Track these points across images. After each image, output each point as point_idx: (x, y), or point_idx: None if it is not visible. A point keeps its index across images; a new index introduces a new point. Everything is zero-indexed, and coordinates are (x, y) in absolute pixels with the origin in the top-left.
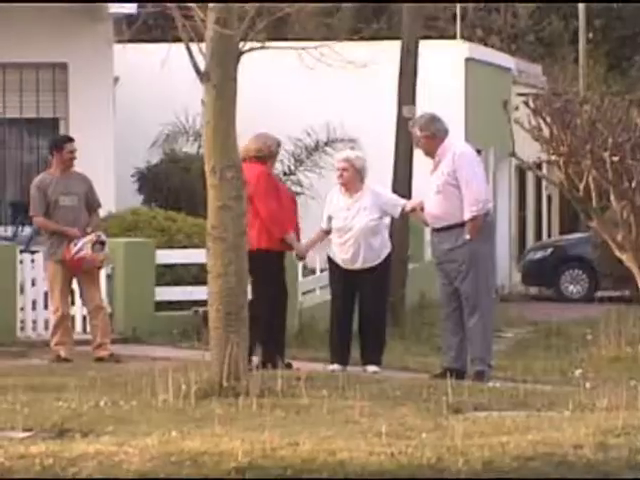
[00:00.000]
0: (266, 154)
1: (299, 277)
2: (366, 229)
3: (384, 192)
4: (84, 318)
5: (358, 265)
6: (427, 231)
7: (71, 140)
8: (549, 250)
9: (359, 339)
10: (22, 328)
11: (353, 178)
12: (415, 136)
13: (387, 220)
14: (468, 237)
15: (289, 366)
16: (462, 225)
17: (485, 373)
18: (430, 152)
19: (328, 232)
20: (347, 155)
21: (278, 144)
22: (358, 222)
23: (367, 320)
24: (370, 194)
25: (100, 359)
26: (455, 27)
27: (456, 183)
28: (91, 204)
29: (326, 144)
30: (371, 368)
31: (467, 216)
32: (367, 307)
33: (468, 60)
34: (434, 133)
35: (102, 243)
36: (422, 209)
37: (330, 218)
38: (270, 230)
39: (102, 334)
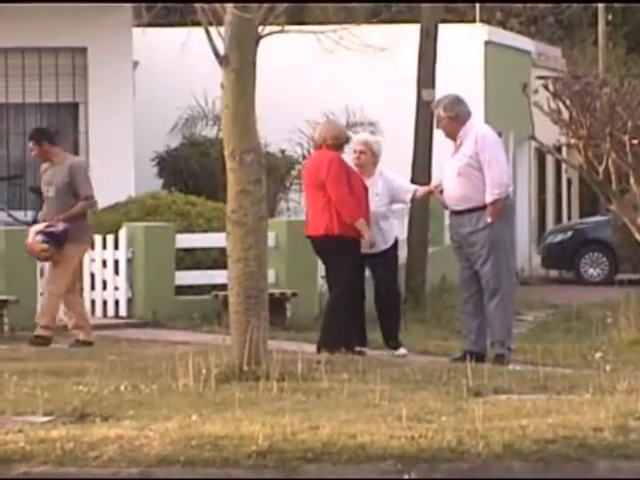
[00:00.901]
0: (342, 142)
1: (318, 261)
2: (378, 214)
3: (395, 178)
4: (104, 303)
5: (367, 249)
6: (447, 214)
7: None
8: (569, 233)
9: (379, 323)
10: None
11: (369, 162)
12: (438, 117)
13: (399, 206)
14: (489, 220)
15: (361, 353)
16: (483, 208)
17: (505, 356)
18: (452, 134)
19: None
20: (366, 138)
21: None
22: (371, 206)
23: (384, 303)
24: (382, 180)
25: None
26: (474, 10)
27: (478, 166)
28: (75, 194)
29: (346, 127)
30: (401, 351)
31: (489, 199)
32: (381, 291)
33: (487, 43)
34: (457, 114)
35: (48, 234)
36: (441, 192)
37: None
38: (341, 215)
39: (40, 314)
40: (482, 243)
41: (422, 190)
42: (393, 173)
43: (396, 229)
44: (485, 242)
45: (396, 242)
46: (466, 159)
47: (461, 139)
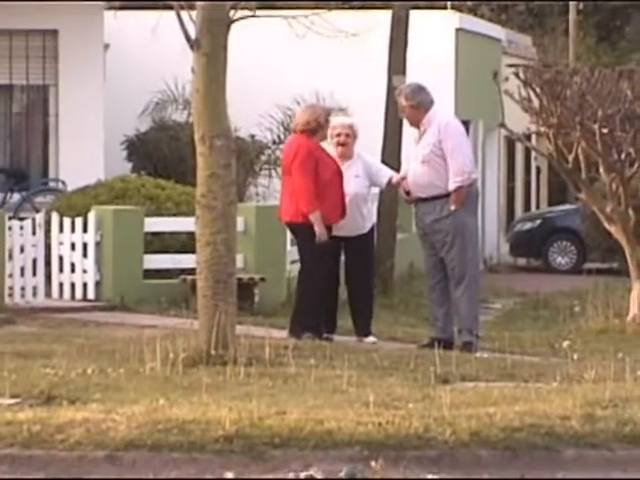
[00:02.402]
0: (313, 127)
1: (287, 246)
2: (359, 196)
3: (373, 161)
4: (72, 285)
5: (347, 232)
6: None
7: None
8: (537, 221)
9: (350, 311)
10: (10, 295)
11: (351, 144)
12: (400, 105)
13: (375, 190)
14: (453, 208)
15: (328, 340)
16: (447, 196)
17: (473, 344)
18: (415, 122)
19: None
20: (350, 121)
21: (328, 114)
22: (352, 189)
23: (357, 290)
24: (361, 162)
25: None
26: None
27: (441, 154)
28: None
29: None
30: (370, 339)
31: (452, 187)
32: (357, 276)
33: (458, 30)
34: (419, 103)
35: None
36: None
37: None
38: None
39: None
40: (446, 230)
41: (398, 177)
42: (370, 156)
43: (375, 214)
44: (449, 229)
45: (373, 228)
46: (430, 147)
47: (424, 127)
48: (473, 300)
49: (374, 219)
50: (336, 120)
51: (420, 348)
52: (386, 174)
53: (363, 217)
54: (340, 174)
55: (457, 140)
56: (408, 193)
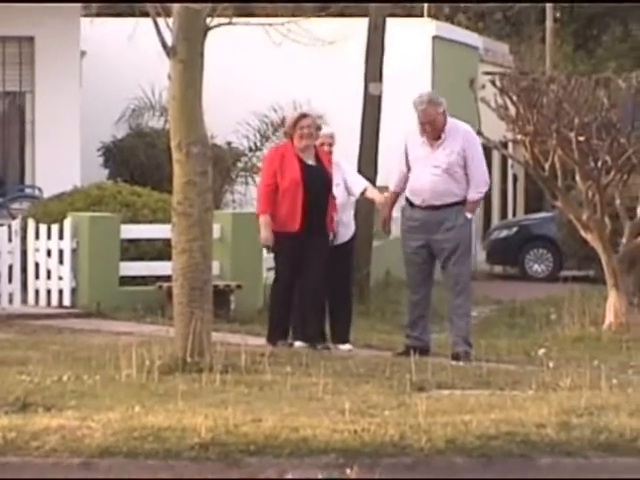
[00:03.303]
0: (286, 131)
1: (263, 253)
2: (340, 204)
3: (350, 170)
4: (48, 292)
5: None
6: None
7: None
8: (514, 229)
9: (328, 317)
10: None
11: (332, 153)
12: (429, 115)
13: (353, 198)
14: (470, 216)
15: (326, 348)
16: (460, 204)
17: (471, 353)
18: (440, 130)
19: None
20: (332, 131)
21: (299, 117)
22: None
23: (336, 298)
24: (340, 170)
25: None
26: (422, 5)
27: (463, 162)
28: None
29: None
30: (345, 347)
31: (476, 196)
32: (337, 284)
33: (435, 38)
34: (444, 110)
35: None
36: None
37: None
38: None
39: None
40: (458, 239)
41: (371, 194)
42: (348, 164)
43: (354, 222)
44: (461, 238)
45: (354, 236)
46: (454, 155)
47: (446, 135)
48: (470, 310)
49: (354, 227)
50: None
51: (396, 356)
52: (360, 185)
53: (344, 225)
54: (301, 185)
55: (479, 149)
56: (387, 219)
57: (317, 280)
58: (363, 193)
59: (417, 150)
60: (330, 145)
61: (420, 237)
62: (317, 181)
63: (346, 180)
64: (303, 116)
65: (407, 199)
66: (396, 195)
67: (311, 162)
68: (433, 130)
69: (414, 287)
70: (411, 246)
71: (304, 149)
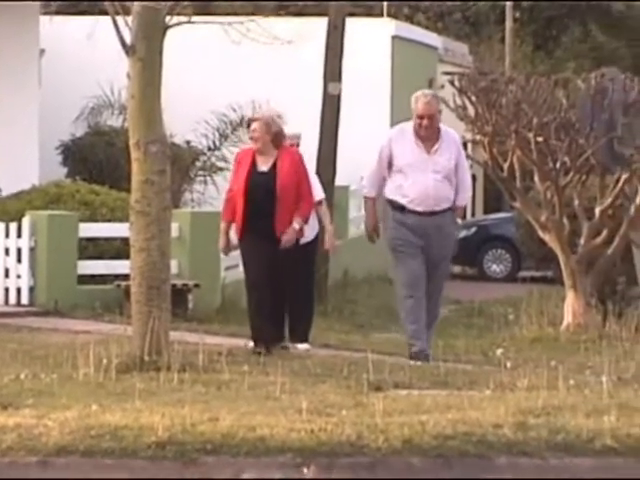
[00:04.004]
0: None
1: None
2: None
3: (313, 176)
4: (6, 290)
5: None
6: (351, 209)
7: None
8: (473, 229)
9: (288, 317)
10: None
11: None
12: (431, 107)
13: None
14: (460, 221)
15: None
16: (451, 209)
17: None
18: (435, 128)
19: None
20: (299, 132)
21: (247, 122)
22: None
23: (297, 298)
24: None
25: None
26: (382, 5)
27: (454, 167)
28: None
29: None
30: (303, 346)
31: (464, 202)
32: (299, 284)
33: (394, 38)
34: (440, 111)
35: None
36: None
37: None
38: None
39: None
40: (451, 245)
41: (323, 214)
42: (312, 172)
43: (317, 224)
44: (452, 245)
45: (317, 236)
46: (453, 160)
47: (442, 138)
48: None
49: (317, 228)
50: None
51: (414, 360)
52: (318, 195)
53: (307, 226)
54: (242, 193)
55: (464, 155)
56: (376, 226)
57: (265, 286)
58: (316, 204)
59: (410, 155)
60: (297, 145)
61: (416, 240)
62: (261, 189)
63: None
64: (252, 120)
65: (393, 203)
66: (375, 200)
67: (264, 168)
68: (430, 127)
69: (411, 287)
70: (402, 239)
71: (258, 152)
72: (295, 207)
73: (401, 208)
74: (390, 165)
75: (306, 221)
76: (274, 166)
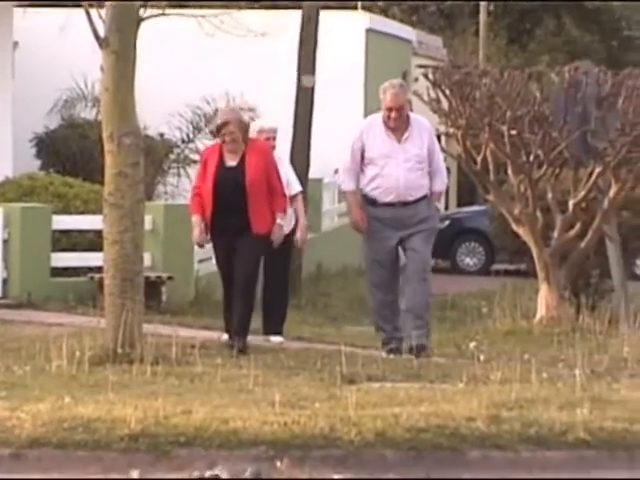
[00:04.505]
0: (213, 132)
1: (195, 245)
2: None
3: (290, 169)
4: None
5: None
6: (325, 201)
7: None
8: (446, 222)
9: (262, 309)
10: None
11: (275, 149)
12: (399, 99)
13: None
14: (439, 206)
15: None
16: (427, 196)
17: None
18: (405, 119)
19: None
20: (275, 126)
21: (220, 125)
22: None
23: (272, 290)
24: (282, 167)
25: None
26: None
27: (427, 155)
28: None
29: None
30: (276, 339)
31: (442, 187)
32: (274, 276)
33: (369, 31)
34: (410, 100)
35: None
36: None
37: None
38: None
39: None
40: (430, 229)
41: (299, 209)
42: (287, 162)
43: (293, 216)
44: (431, 227)
45: (294, 229)
46: (424, 148)
47: (413, 127)
48: (430, 297)
49: (293, 221)
50: (265, 125)
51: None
52: (294, 189)
53: (285, 219)
54: (211, 190)
55: (436, 141)
56: (362, 220)
57: (243, 285)
58: (293, 197)
59: (381, 146)
60: (274, 139)
61: (392, 235)
62: (230, 183)
63: (288, 175)
64: (224, 124)
65: (367, 197)
66: (354, 193)
67: (232, 163)
68: (399, 117)
69: (384, 288)
70: (385, 246)
71: (229, 150)
72: (268, 200)
73: (373, 202)
74: (363, 157)
75: (285, 213)
76: (242, 160)
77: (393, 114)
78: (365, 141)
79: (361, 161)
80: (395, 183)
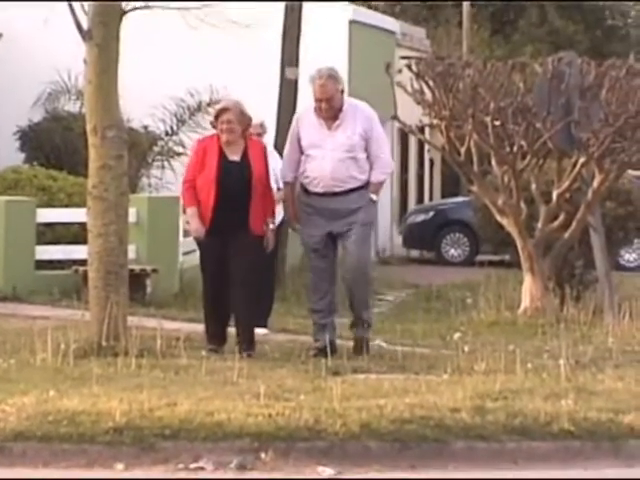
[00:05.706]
0: (212, 122)
1: (179, 237)
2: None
3: (278, 163)
4: None
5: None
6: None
7: None
8: (430, 213)
9: None
10: None
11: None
12: (327, 91)
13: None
14: (375, 198)
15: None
16: (362, 188)
17: (369, 340)
18: (337, 109)
19: None
20: (262, 120)
21: (219, 111)
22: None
23: (261, 283)
24: (273, 159)
25: None
26: None
27: (364, 144)
28: None
29: (208, 105)
30: (261, 331)
31: (380, 177)
32: (261, 269)
33: (352, 22)
34: (343, 88)
35: None
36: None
37: None
38: None
39: None
40: (362, 221)
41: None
42: (277, 156)
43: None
44: (365, 220)
45: (282, 221)
46: (356, 137)
47: (344, 114)
48: (372, 292)
49: (282, 214)
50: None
51: (314, 356)
52: (278, 180)
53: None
54: (214, 184)
55: (380, 129)
56: (295, 214)
57: (248, 290)
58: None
59: (312, 134)
60: (260, 135)
61: (321, 224)
62: (235, 179)
63: (276, 170)
64: (223, 110)
65: (301, 186)
66: (293, 185)
67: (234, 157)
68: (329, 109)
69: (317, 286)
70: (313, 235)
71: (226, 144)
72: (262, 201)
73: (305, 190)
74: (301, 147)
75: (274, 217)
76: (245, 155)
77: (323, 105)
78: (300, 130)
79: (299, 150)
80: (321, 173)
